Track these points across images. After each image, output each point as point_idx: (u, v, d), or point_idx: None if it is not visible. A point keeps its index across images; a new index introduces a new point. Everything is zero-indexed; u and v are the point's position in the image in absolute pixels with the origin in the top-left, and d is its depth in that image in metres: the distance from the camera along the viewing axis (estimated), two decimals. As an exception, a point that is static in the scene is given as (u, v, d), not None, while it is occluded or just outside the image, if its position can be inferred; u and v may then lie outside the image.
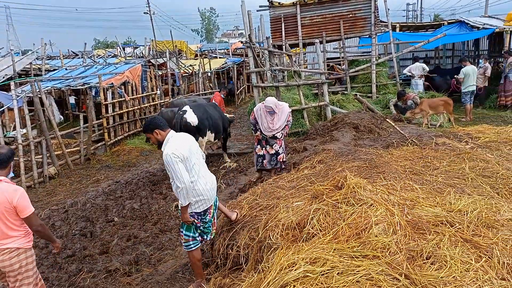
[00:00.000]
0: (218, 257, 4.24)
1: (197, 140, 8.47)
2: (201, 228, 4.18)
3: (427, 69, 14.10)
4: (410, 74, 14.19)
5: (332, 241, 2.69)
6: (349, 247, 2.56)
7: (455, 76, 12.89)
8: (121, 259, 5.28)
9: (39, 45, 17.97)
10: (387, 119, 9.25)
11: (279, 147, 6.74)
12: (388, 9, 14.17)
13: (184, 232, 4.17)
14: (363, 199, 3.13)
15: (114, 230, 6.38)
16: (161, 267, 5.04)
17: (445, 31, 14.64)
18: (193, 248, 4.18)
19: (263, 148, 6.79)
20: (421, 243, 2.62)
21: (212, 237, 4.37)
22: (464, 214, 3.26)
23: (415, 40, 14.93)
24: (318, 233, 2.91)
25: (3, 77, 13.60)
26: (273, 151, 6.77)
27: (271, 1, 14.22)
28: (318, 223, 3.06)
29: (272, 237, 3.38)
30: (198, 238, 4.21)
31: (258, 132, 6.76)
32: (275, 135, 6.71)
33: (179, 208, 4.08)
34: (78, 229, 6.55)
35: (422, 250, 2.52)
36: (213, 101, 11.19)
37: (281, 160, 6.78)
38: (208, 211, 4.19)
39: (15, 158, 9.15)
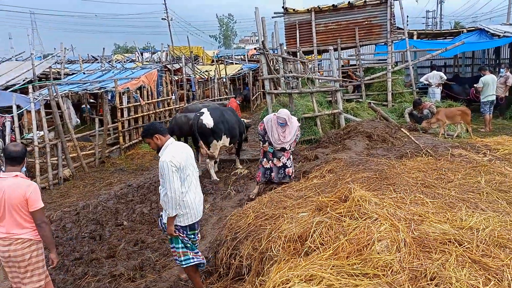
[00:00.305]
0: (221, 266, 4.17)
1: (211, 142, 8.69)
2: (186, 241, 4.12)
3: (445, 77, 13.80)
4: (427, 82, 13.92)
5: (331, 257, 2.58)
6: (348, 264, 2.45)
7: (474, 85, 12.56)
8: (127, 264, 5.26)
9: (60, 49, 18.33)
10: (401, 129, 9.05)
11: (287, 160, 6.56)
12: (407, 16, 13.96)
13: (172, 245, 4.14)
14: (367, 213, 3.02)
15: (122, 234, 6.38)
16: (166, 273, 4.99)
17: (464, 39, 14.32)
18: (185, 265, 4.13)
19: (270, 161, 6.59)
20: (426, 263, 2.49)
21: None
22: (475, 232, 3.10)
23: (432, 48, 14.63)
24: (319, 247, 2.80)
25: (23, 80, 13.88)
26: (280, 164, 6.58)
27: (286, 7, 14.18)
28: (320, 236, 2.96)
29: (274, 249, 3.29)
30: (189, 254, 4.12)
31: (266, 144, 6.56)
32: (284, 147, 6.54)
33: (164, 222, 4.04)
34: (87, 232, 6.57)
35: (426, 271, 2.39)
36: (229, 107, 11.25)
37: (289, 174, 6.57)
38: (195, 230, 4.15)
39: (31, 160, 9.34)
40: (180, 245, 4.09)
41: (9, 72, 14.66)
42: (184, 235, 4.06)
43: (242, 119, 10.24)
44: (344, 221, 3.03)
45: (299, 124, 6.74)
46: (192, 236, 4.15)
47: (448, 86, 14.64)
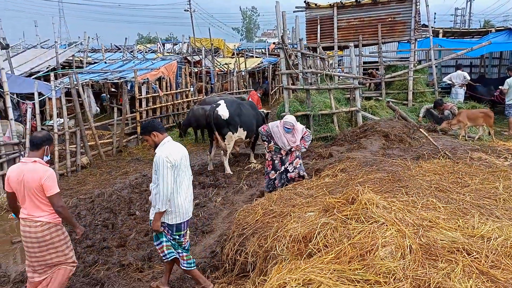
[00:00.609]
0: (227, 261, 4.17)
1: (226, 134, 8.81)
2: (172, 240, 4.13)
3: (468, 78, 13.39)
4: (450, 82, 13.55)
5: (333, 261, 2.53)
6: (350, 269, 2.40)
7: (500, 86, 12.16)
8: (136, 254, 5.33)
9: (84, 38, 18.64)
10: (420, 129, 8.85)
11: (289, 164, 6.40)
12: (435, 13, 13.61)
13: (158, 241, 4.16)
14: (374, 216, 2.95)
15: (134, 224, 6.47)
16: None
17: (491, 39, 13.83)
18: (168, 258, 4.16)
19: (277, 172, 6.47)
20: (431, 272, 2.41)
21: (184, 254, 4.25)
22: (486, 241, 3.00)
23: (458, 47, 14.21)
24: (322, 250, 2.76)
25: (47, 68, 14.20)
26: (282, 169, 6.45)
27: (308, 2, 13.99)
28: (324, 238, 2.92)
29: (278, 248, 3.27)
30: (172, 249, 4.14)
31: (272, 143, 6.43)
32: (290, 149, 6.39)
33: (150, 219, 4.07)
34: (101, 220, 6.69)
35: (430, 280, 2.31)
36: (250, 100, 11.30)
37: (291, 177, 6.40)
38: (181, 231, 4.12)
39: (50, 147, 9.55)
40: (164, 239, 4.11)
41: (33, 59, 15.04)
42: (169, 233, 4.07)
43: (261, 110, 10.32)
44: (350, 224, 2.97)
45: (303, 126, 6.61)
46: (177, 237, 4.13)
47: (473, 86, 14.22)
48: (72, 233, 4.47)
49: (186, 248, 4.27)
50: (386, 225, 2.89)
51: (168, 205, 3.91)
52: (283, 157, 6.42)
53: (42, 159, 3.95)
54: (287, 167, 6.43)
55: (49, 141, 4.07)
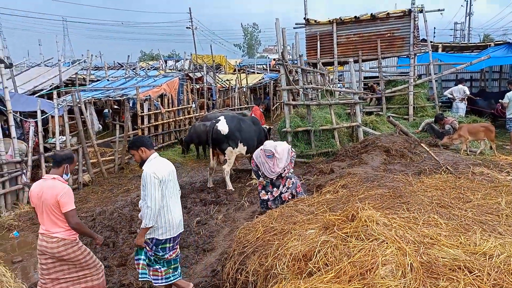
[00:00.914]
0: (227, 280, 4.13)
1: (225, 149, 8.86)
2: (152, 257, 4.14)
3: (468, 92, 13.44)
4: (451, 96, 13.60)
5: (333, 280, 2.52)
6: (350, 289, 2.38)
7: (500, 100, 12.19)
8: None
9: (87, 56, 18.89)
10: (421, 144, 8.84)
11: (282, 187, 6.31)
12: (434, 28, 13.81)
13: (137, 256, 4.19)
14: (374, 234, 2.94)
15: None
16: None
17: (490, 53, 13.94)
18: (140, 278, 4.19)
19: (268, 193, 6.36)
20: (432, 291, 2.39)
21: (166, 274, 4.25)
22: (488, 259, 2.96)
23: (457, 61, 14.31)
24: (322, 268, 2.74)
25: (50, 86, 14.35)
26: (277, 193, 6.34)
27: (307, 18, 14.19)
28: (324, 256, 2.90)
29: (279, 267, 3.24)
30: (146, 270, 4.16)
31: (261, 179, 6.36)
32: (280, 174, 6.27)
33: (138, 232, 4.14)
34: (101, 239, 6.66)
35: (431, 299, 2.30)
36: (253, 115, 11.41)
37: (285, 199, 6.29)
38: (167, 244, 4.14)
39: (51, 164, 9.59)
40: (142, 257, 4.14)
41: (37, 77, 15.22)
42: (152, 249, 4.09)
43: (263, 126, 10.39)
44: (350, 242, 2.96)
45: (290, 146, 6.47)
46: (161, 252, 4.14)
47: (473, 101, 14.26)
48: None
49: (172, 263, 4.27)
50: (387, 243, 2.87)
51: (155, 220, 3.93)
52: (274, 180, 6.28)
53: (62, 177, 4.08)
54: (281, 190, 6.28)
55: (70, 159, 4.20)
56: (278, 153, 6.17)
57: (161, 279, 4.23)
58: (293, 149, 6.51)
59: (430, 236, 3.36)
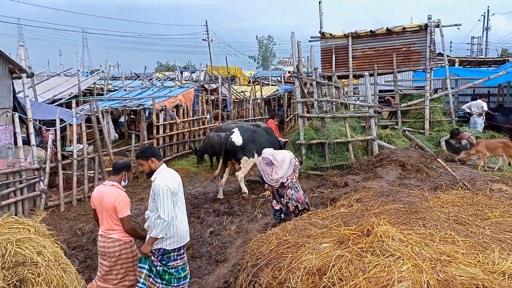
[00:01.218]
0: (240, 293, 4.11)
1: (241, 158, 9.06)
2: (159, 268, 4.14)
3: (486, 108, 13.26)
4: (468, 110, 13.44)
5: (348, 296, 2.49)
6: (366, 305, 2.35)
7: (518, 116, 12.00)
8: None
9: (105, 66, 19.28)
10: (437, 159, 8.71)
11: (286, 196, 6.31)
12: (451, 42, 13.75)
13: (140, 264, 4.23)
14: (390, 250, 2.90)
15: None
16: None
17: (508, 68, 13.76)
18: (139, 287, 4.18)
19: (279, 203, 6.42)
20: (449, 309, 2.35)
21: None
22: (508, 278, 2.90)
23: (475, 76, 14.16)
24: (336, 283, 2.72)
25: (69, 95, 14.68)
26: (284, 202, 6.39)
27: (323, 32, 14.27)
28: (339, 271, 2.87)
29: (292, 281, 3.22)
30: (147, 282, 4.16)
31: (266, 185, 6.48)
32: (282, 182, 6.30)
33: (139, 243, 4.20)
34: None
35: (448, 318, 2.25)
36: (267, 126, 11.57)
37: (292, 209, 6.30)
38: (173, 255, 4.16)
39: (69, 172, 9.75)
40: (146, 267, 4.18)
41: (57, 86, 15.60)
42: (158, 259, 4.12)
43: (279, 139, 10.53)
44: (365, 257, 2.93)
45: (293, 156, 6.47)
46: (167, 259, 4.16)
47: (491, 116, 14.05)
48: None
49: (180, 272, 4.26)
50: (403, 259, 2.83)
51: (165, 232, 3.98)
52: (279, 190, 6.34)
53: (120, 184, 4.41)
54: (286, 199, 6.33)
55: (128, 167, 4.53)
56: (277, 161, 6.23)
57: None
58: (296, 159, 6.54)
59: (447, 253, 3.30)
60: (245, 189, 9.11)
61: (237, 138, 9.07)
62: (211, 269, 5.70)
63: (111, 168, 10.78)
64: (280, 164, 6.23)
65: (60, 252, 3.31)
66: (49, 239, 3.31)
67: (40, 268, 2.91)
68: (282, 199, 6.37)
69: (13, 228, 3.23)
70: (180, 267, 4.28)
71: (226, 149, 9.12)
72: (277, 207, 6.47)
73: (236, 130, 9.38)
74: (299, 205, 6.32)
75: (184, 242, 4.26)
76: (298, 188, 6.45)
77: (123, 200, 4.25)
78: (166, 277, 4.20)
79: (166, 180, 4.01)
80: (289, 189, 6.32)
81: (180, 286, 4.31)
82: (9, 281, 2.75)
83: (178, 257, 4.26)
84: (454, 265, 3.00)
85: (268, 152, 6.36)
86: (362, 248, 3.04)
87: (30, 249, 2.99)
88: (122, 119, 17.45)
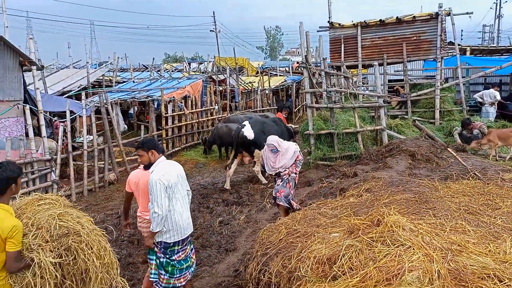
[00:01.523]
0: (250, 281, 4.14)
1: (253, 152, 9.25)
2: (162, 260, 4.18)
3: (498, 98, 13.06)
4: (480, 100, 13.25)
5: (358, 285, 2.50)
6: (376, 294, 2.36)
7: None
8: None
9: (113, 58, 19.33)
10: (448, 148, 8.63)
11: (281, 182, 6.28)
12: (462, 30, 13.51)
13: (149, 256, 4.30)
14: (400, 240, 2.90)
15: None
16: (197, 283, 5.05)
17: (521, 56, 13.51)
18: (151, 278, 4.26)
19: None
20: (460, 299, 2.34)
21: (180, 283, 4.28)
22: (519, 268, 2.88)
23: (486, 65, 13.93)
24: (347, 272, 2.73)
25: (78, 87, 14.77)
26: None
27: (331, 22, 14.11)
28: (349, 261, 2.88)
29: (302, 269, 3.23)
30: (156, 271, 4.22)
31: (267, 173, 6.54)
32: (279, 172, 6.27)
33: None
34: (127, 236, 6.80)
35: (459, 307, 2.25)
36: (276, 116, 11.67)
37: (278, 195, 6.22)
38: (176, 247, 4.16)
39: (79, 162, 9.86)
40: (154, 258, 4.23)
41: (66, 79, 15.71)
42: (161, 251, 4.15)
43: (289, 125, 10.79)
44: (375, 247, 2.93)
45: (299, 149, 6.40)
46: (169, 254, 4.17)
47: (503, 105, 13.84)
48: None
49: (183, 263, 4.29)
50: (413, 249, 2.83)
51: (162, 225, 4.00)
52: (276, 179, 6.35)
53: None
54: (278, 184, 6.33)
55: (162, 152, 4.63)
56: (282, 148, 6.20)
57: (161, 285, 4.28)
58: (301, 153, 6.47)
59: (458, 243, 3.28)
60: (264, 180, 9.41)
61: (248, 131, 9.23)
62: (221, 258, 5.75)
63: (121, 159, 10.98)
64: (284, 152, 6.21)
65: (90, 219, 3.53)
66: (75, 209, 3.55)
67: (81, 236, 3.23)
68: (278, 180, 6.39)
69: (41, 203, 3.42)
70: (182, 259, 4.31)
71: (238, 142, 9.24)
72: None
73: (247, 123, 9.49)
74: (277, 198, 6.21)
75: (186, 235, 4.25)
76: (286, 183, 6.28)
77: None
78: (169, 269, 4.24)
79: (162, 173, 4.00)
80: (280, 179, 6.30)
81: (182, 277, 4.34)
82: (57, 251, 3.11)
83: (181, 250, 4.28)
84: (465, 255, 2.99)
85: (273, 139, 6.31)
86: (372, 237, 3.03)
87: (70, 221, 3.28)
88: (131, 110, 17.54)
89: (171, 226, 4.09)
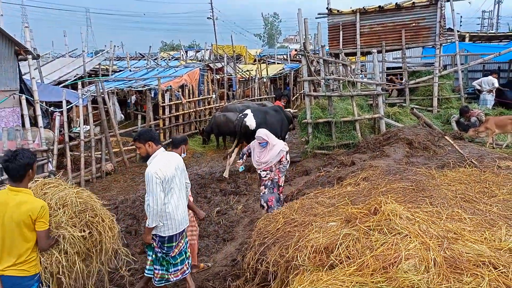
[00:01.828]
0: (248, 270, 4.18)
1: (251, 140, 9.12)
2: (159, 255, 4.17)
3: (496, 85, 13.03)
4: (478, 87, 13.23)
5: (355, 273, 2.52)
6: (372, 282, 2.38)
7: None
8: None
9: (109, 47, 19.15)
10: (445, 136, 8.66)
11: (266, 189, 6.18)
12: (461, 16, 13.42)
13: (146, 251, 4.31)
14: (397, 228, 2.92)
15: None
16: (195, 273, 5.09)
17: (520, 43, 13.45)
18: (146, 274, 4.30)
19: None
20: (455, 286, 2.37)
21: (176, 277, 4.30)
22: (514, 255, 2.91)
23: (485, 51, 13.87)
24: (344, 261, 2.75)
25: (74, 76, 14.66)
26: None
27: (330, 8, 13.99)
28: (346, 249, 2.91)
29: (300, 259, 3.26)
30: (153, 267, 4.24)
31: (241, 161, 6.56)
32: (261, 173, 6.22)
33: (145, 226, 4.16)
34: (124, 226, 6.83)
35: (454, 294, 2.28)
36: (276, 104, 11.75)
37: (262, 202, 6.19)
38: (173, 242, 4.14)
39: (76, 153, 9.84)
40: (151, 253, 4.23)
41: (62, 68, 15.58)
42: (158, 245, 4.12)
43: (288, 110, 10.90)
44: (373, 236, 2.95)
45: (287, 150, 6.26)
46: (166, 248, 4.15)
47: (501, 92, 13.83)
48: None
49: (177, 258, 4.29)
50: (410, 237, 2.85)
51: (158, 220, 3.95)
52: (260, 185, 6.31)
53: (180, 155, 4.65)
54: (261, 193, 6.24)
55: (185, 141, 5.01)
56: (271, 143, 6.13)
57: (155, 280, 4.31)
58: (288, 155, 6.28)
59: (454, 231, 3.31)
60: None
61: (251, 121, 9.24)
62: (218, 247, 5.80)
63: (118, 149, 10.96)
64: (271, 148, 6.13)
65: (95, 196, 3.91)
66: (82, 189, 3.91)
67: (95, 210, 3.65)
68: (261, 188, 6.31)
69: (48, 187, 3.73)
70: (176, 254, 4.29)
71: (241, 132, 9.25)
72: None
73: (249, 112, 9.48)
74: (266, 207, 6.13)
75: (181, 229, 4.20)
76: (273, 188, 6.21)
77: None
78: (165, 263, 4.25)
79: (159, 166, 3.92)
80: (264, 187, 6.19)
81: (179, 271, 4.34)
82: (79, 225, 3.49)
83: (176, 245, 4.25)
84: (461, 243, 3.02)
85: (263, 132, 6.28)
86: (370, 226, 3.06)
87: (86, 198, 3.70)
88: (130, 100, 17.44)
89: (166, 219, 4.04)
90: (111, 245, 3.74)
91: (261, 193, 6.23)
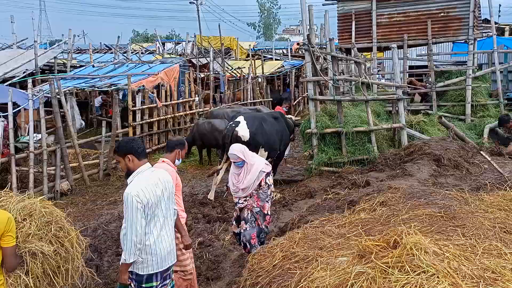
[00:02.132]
0: (237, 318, 4.16)
1: None
2: None
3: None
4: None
5: (370, 322, 2.53)
6: (392, 333, 2.39)
7: None
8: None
9: (68, 37, 19.22)
10: (481, 152, 8.77)
11: (246, 225, 5.89)
12: (500, 6, 13.66)
13: None
14: (422, 265, 2.94)
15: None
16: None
17: None
18: None
19: (238, 227, 6.05)
20: (494, 339, 2.38)
21: None
22: None
23: (529, 48, 14.13)
24: (356, 307, 2.76)
25: (24, 72, 14.66)
26: (237, 230, 6.07)
27: (340, -7, 14.19)
28: (359, 292, 2.91)
29: (301, 304, 3.26)
30: None
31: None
32: (239, 201, 5.92)
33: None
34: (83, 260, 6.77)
35: None
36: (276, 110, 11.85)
37: (243, 241, 5.92)
38: (153, 283, 3.98)
39: (24, 168, 9.78)
40: None
41: (8, 61, 15.58)
42: (135, 286, 3.95)
43: (289, 117, 10.91)
44: (392, 274, 2.96)
45: (268, 170, 5.95)
46: None
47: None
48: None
49: None
50: (438, 277, 2.87)
51: (137, 254, 3.81)
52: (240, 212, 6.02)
53: (174, 163, 5.19)
54: (243, 228, 5.94)
55: (182, 145, 5.35)
56: (249, 162, 5.78)
57: None
58: (269, 180, 5.93)
59: (491, 269, 3.34)
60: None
61: (243, 132, 9.12)
62: (200, 288, 5.75)
63: (76, 164, 10.94)
64: (249, 167, 5.78)
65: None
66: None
67: (60, 223, 3.86)
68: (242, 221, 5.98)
69: (2, 198, 3.87)
70: None
71: (230, 144, 9.01)
72: (237, 231, 6.13)
73: (241, 119, 9.37)
74: (248, 246, 5.89)
75: (165, 266, 4.05)
76: (254, 221, 5.92)
77: (177, 176, 5.15)
78: None
79: (140, 188, 3.80)
80: (244, 222, 5.92)
81: None
82: (45, 239, 3.67)
83: (160, 286, 4.07)
84: (500, 284, 3.04)
85: (237, 148, 5.91)
86: (388, 263, 3.07)
87: (50, 208, 3.91)
88: (96, 102, 17.44)
89: (146, 254, 3.89)
90: (80, 262, 4.00)
91: (242, 230, 5.95)
